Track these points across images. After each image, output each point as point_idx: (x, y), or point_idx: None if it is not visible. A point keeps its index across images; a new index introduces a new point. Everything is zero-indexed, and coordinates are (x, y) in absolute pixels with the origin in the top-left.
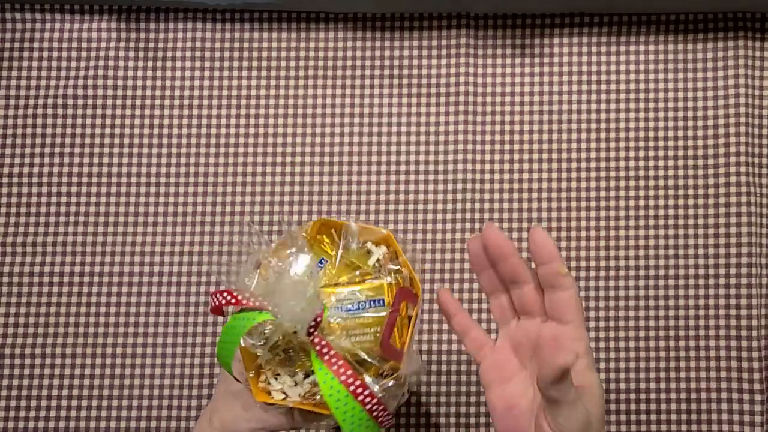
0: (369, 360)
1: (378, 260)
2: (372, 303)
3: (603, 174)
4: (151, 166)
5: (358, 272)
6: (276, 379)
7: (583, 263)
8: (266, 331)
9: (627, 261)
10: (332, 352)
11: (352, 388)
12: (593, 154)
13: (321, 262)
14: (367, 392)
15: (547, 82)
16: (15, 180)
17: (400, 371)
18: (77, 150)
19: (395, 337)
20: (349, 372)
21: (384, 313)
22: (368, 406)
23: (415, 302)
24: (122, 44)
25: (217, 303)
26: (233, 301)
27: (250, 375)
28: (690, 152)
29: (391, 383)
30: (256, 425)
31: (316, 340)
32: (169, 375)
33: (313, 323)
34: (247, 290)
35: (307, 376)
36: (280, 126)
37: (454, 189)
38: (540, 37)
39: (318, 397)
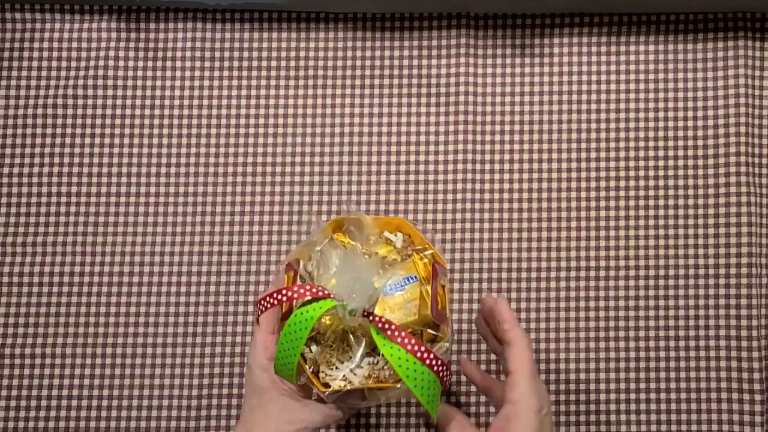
0: (418, 330)
1: (402, 245)
2: (407, 280)
3: (603, 174)
4: (151, 166)
5: (387, 258)
6: (332, 369)
7: (583, 263)
8: (326, 322)
9: (627, 261)
10: (393, 326)
11: (419, 354)
12: (593, 154)
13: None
14: (432, 356)
15: (547, 82)
16: (15, 180)
17: (448, 334)
18: (77, 150)
19: (439, 304)
20: (413, 341)
21: (420, 289)
22: (435, 368)
23: (445, 273)
24: (122, 44)
25: (268, 306)
26: (296, 295)
27: (310, 373)
28: (690, 152)
29: (445, 346)
30: (300, 426)
31: (376, 319)
32: (169, 375)
33: (372, 303)
34: (306, 281)
35: (361, 358)
36: (280, 126)
37: (454, 189)
38: (540, 37)
39: (381, 373)
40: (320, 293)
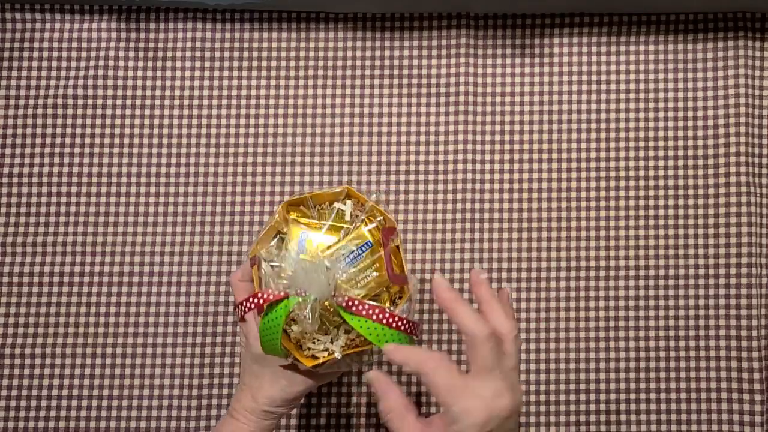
0: (380, 293)
1: (351, 214)
2: (362, 248)
3: (603, 174)
4: (151, 166)
5: (342, 232)
6: (314, 343)
7: (583, 263)
8: (306, 313)
9: (627, 261)
10: (356, 302)
11: (384, 321)
12: (593, 154)
13: (302, 237)
14: (396, 319)
15: (547, 82)
16: (15, 180)
17: (411, 290)
18: (77, 150)
19: (394, 266)
20: (377, 310)
21: (376, 255)
22: (402, 328)
23: (395, 234)
24: (122, 44)
25: (246, 310)
26: (261, 301)
27: (294, 350)
28: (690, 152)
29: (406, 304)
30: (299, 387)
31: (339, 299)
32: (169, 375)
33: (331, 285)
34: (268, 287)
35: (337, 329)
36: (280, 126)
37: (454, 189)
38: (540, 37)
39: (357, 339)
40: (281, 294)
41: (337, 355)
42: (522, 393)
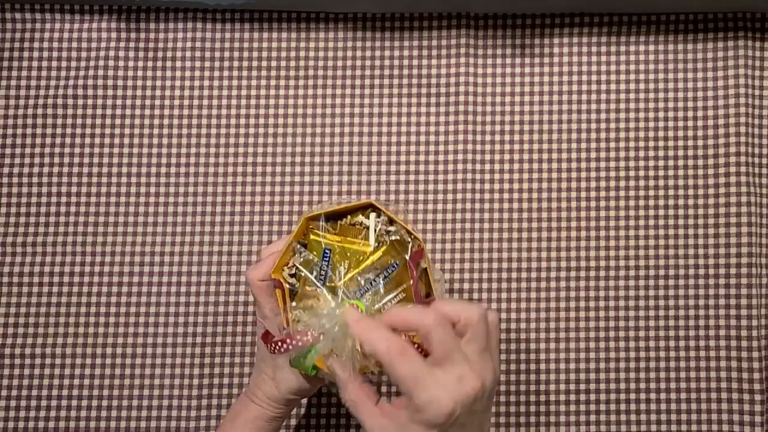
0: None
1: (377, 234)
2: (388, 271)
3: (603, 174)
4: (151, 166)
5: (367, 253)
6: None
7: (583, 263)
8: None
9: (627, 261)
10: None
11: None
12: (593, 154)
13: (326, 254)
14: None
15: (547, 82)
16: (15, 180)
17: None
18: (77, 150)
19: (422, 288)
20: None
21: (403, 281)
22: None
23: (423, 255)
24: (122, 44)
25: (275, 349)
26: (290, 347)
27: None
28: (690, 152)
29: None
30: (311, 386)
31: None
32: (169, 375)
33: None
34: (296, 333)
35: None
36: (280, 126)
37: (454, 189)
38: (540, 37)
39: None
40: (310, 341)
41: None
42: (495, 373)
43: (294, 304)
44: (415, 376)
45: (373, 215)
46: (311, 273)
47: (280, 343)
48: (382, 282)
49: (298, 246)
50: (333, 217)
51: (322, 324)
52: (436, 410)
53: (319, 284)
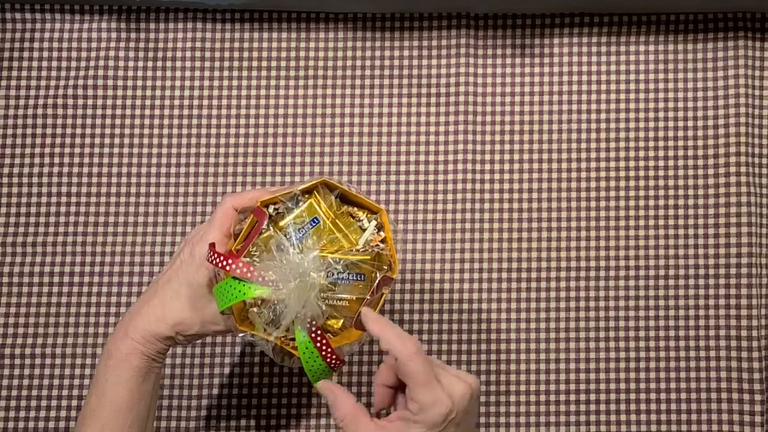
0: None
1: (367, 240)
2: (355, 276)
3: (603, 174)
4: (151, 166)
5: (353, 250)
6: (258, 316)
7: (583, 263)
8: (276, 310)
9: (627, 261)
10: (319, 333)
11: (323, 353)
12: (593, 154)
13: (314, 221)
14: (334, 356)
15: (547, 82)
16: (15, 180)
17: (363, 338)
18: (77, 150)
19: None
20: (325, 341)
21: (360, 286)
22: (328, 360)
23: (389, 284)
24: (122, 44)
25: (214, 262)
26: (239, 271)
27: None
28: (690, 152)
29: (354, 346)
30: (218, 327)
31: (310, 328)
32: (168, 375)
33: (312, 321)
34: (257, 259)
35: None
36: (280, 126)
37: (454, 189)
38: (540, 37)
39: (291, 344)
40: (261, 279)
41: (271, 339)
42: (475, 379)
43: (256, 240)
44: (427, 374)
45: (373, 222)
46: (294, 225)
47: (230, 260)
48: (348, 280)
49: (300, 195)
50: (341, 197)
51: (284, 272)
52: (438, 409)
53: (295, 237)
